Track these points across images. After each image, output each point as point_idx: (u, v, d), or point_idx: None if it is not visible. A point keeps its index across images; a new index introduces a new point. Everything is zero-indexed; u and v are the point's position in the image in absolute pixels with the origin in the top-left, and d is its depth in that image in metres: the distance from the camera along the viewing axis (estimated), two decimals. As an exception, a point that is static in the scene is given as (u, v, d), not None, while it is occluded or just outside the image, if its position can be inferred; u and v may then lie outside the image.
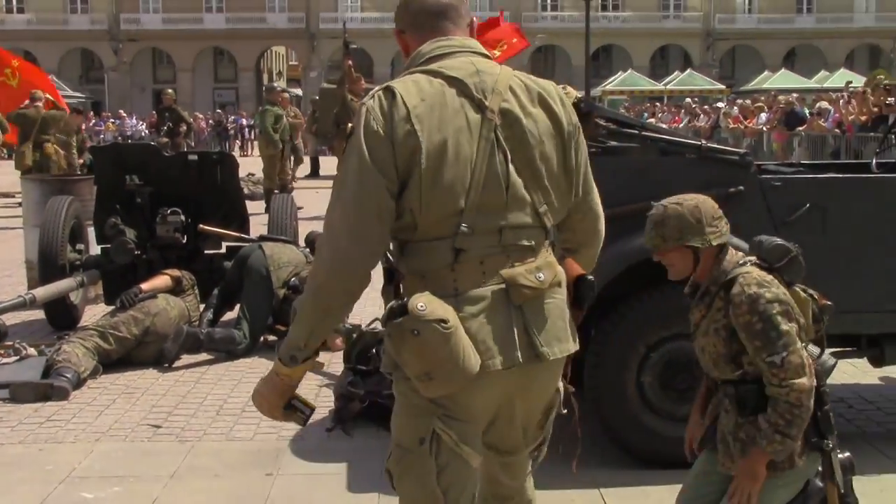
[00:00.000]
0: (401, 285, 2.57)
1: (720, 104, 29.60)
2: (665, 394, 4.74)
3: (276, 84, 20.04)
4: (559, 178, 2.63)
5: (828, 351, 3.70)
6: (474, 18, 2.80)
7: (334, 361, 6.79)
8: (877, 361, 5.01)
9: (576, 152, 2.67)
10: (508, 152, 2.54)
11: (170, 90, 21.35)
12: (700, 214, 3.50)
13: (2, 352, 6.77)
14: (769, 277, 3.48)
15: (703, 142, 5.04)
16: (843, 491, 3.58)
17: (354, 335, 6.26)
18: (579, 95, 4.63)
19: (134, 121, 43.15)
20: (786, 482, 3.53)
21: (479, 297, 2.49)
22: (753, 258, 3.59)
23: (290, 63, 66.87)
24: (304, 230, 8.86)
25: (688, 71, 46.67)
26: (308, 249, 8.03)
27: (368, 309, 8.26)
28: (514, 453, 2.74)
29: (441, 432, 2.52)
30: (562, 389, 2.74)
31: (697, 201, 3.52)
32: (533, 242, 2.58)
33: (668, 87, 42.23)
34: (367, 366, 5.81)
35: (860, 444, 5.11)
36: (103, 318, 7.02)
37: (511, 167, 2.53)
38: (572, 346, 2.64)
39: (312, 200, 15.87)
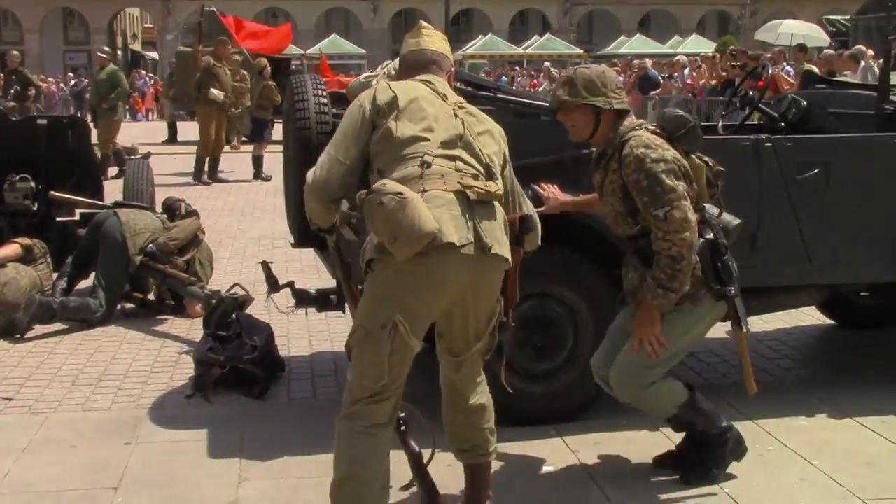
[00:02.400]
0: None
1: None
2: (522, 352, 4.82)
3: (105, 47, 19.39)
4: (497, 155, 3.56)
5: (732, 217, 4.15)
6: (452, 69, 3.86)
7: (193, 328, 6.71)
8: (723, 316, 5.21)
9: (504, 170, 3.59)
10: (464, 123, 3.50)
11: (15, 52, 20.52)
12: (606, 79, 4.09)
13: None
14: (658, 140, 3.95)
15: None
16: (747, 331, 4.10)
17: (214, 301, 6.18)
18: None
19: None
20: (691, 317, 4.02)
21: (441, 196, 3.30)
22: (648, 124, 3.98)
23: (145, 25, 64.98)
24: (160, 196, 8.69)
25: (546, 35, 47.23)
26: (165, 215, 7.88)
27: (228, 275, 8.19)
28: (461, 355, 3.55)
29: (399, 324, 3.29)
30: (501, 307, 3.53)
31: (604, 69, 4.19)
32: (480, 174, 3.43)
33: (528, 51, 42.66)
34: (226, 331, 5.74)
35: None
36: (-51, 289, 6.77)
37: (466, 129, 3.48)
38: (507, 252, 3.41)
39: (170, 166, 15.55)
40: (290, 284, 5.39)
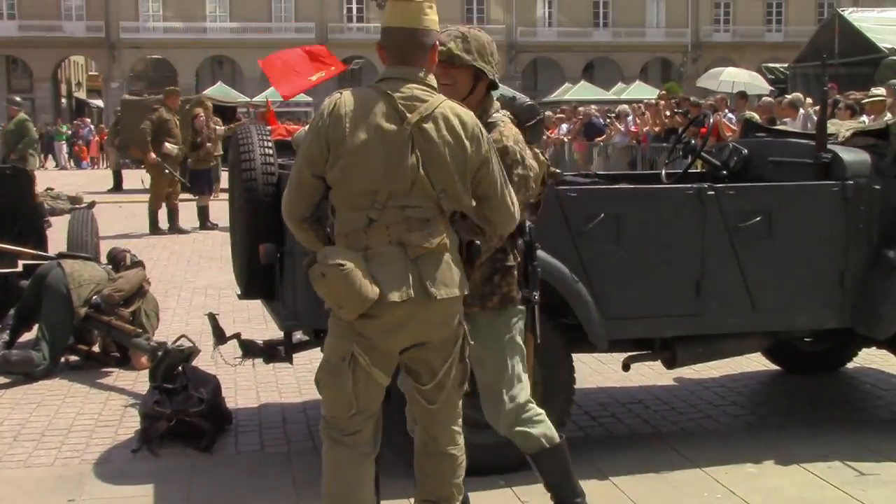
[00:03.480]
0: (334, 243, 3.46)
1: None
2: (468, 400, 4.80)
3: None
4: (455, 183, 3.44)
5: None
6: (437, 44, 3.55)
7: (139, 381, 6.63)
8: (670, 363, 5.26)
9: (478, 173, 3.47)
10: (420, 157, 3.38)
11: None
12: (493, 49, 3.94)
13: None
14: (521, 139, 3.85)
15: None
16: (538, 342, 4.03)
17: (160, 353, 6.11)
18: None
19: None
20: (497, 320, 3.92)
21: (383, 251, 3.37)
22: (507, 112, 3.95)
23: (90, 73, 64.66)
24: (105, 246, 8.61)
25: (492, 83, 47.66)
26: (110, 266, 7.80)
27: (175, 326, 8.12)
28: (429, 384, 3.57)
29: (358, 355, 3.42)
30: (465, 330, 3.58)
31: (487, 37, 3.95)
32: (429, 218, 3.42)
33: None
34: (173, 384, 5.67)
35: (656, 444, 5.36)
36: None
37: (420, 166, 3.38)
38: (458, 292, 3.46)
39: (115, 216, 15.42)
40: (237, 336, 5.37)
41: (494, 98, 4.00)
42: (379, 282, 3.33)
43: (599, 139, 21.50)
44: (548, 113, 28.07)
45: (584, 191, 5.04)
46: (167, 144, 14.99)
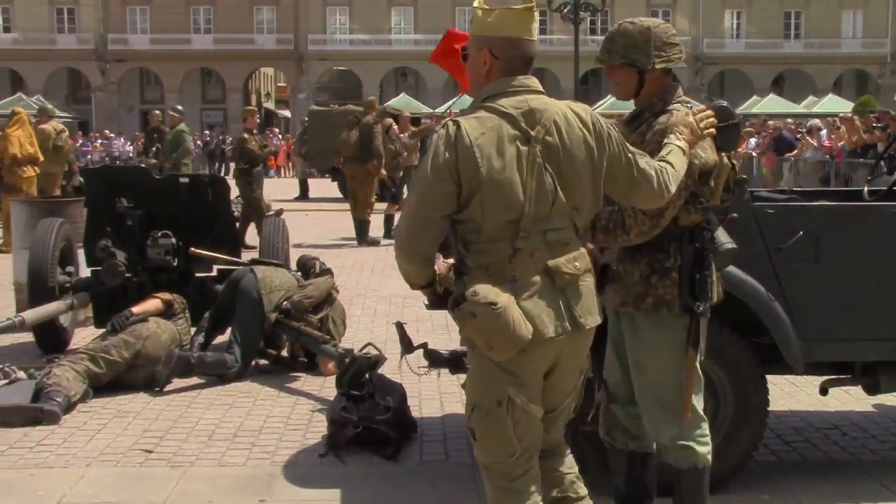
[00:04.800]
0: (465, 276, 3.24)
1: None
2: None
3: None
4: (587, 193, 3.30)
5: (728, 241, 3.88)
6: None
7: (327, 386, 6.80)
8: (871, 389, 5.04)
9: (599, 159, 3.30)
10: (553, 174, 3.21)
11: (157, 111, 21.24)
12: (649, 36, 3.83)
13: (-10, 375, 6.75)
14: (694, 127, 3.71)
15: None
16: (702, 358, 3.88)
17: (347, 360, 6.26)
18: None
19: (121, 141, 43.10)
20: (656, 324, 3.82)
21: (531, 282, 3.19)
22: (693, 105, 3.87)
23: (279, 84, 66.98)
24: (295, 254, 8.88)
25: (677, 95, 46.92)
26: (300, 273, 8.04)
27: (360, 333, 8.29)
28: (555, 410, 3.42)
29: (514, 396, 3.23)
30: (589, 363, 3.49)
31: (651, 24, 3.89)
32: (568, 239, 3.27)
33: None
34: (359, 391, 5.80)
35: (856, 473, 5.14)
36: (94, 342, 7.01)
37: (557, 186, 3.22)
38: (599, 319, 3.36)
39: (301, 224, 15.87)
40: (424, 346, 5.43)
41: (679, 92, 3.94)
42: (532, 317, 3.16)
43: (790, 154, 20.86)
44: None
45: (782, 207, 4.90)
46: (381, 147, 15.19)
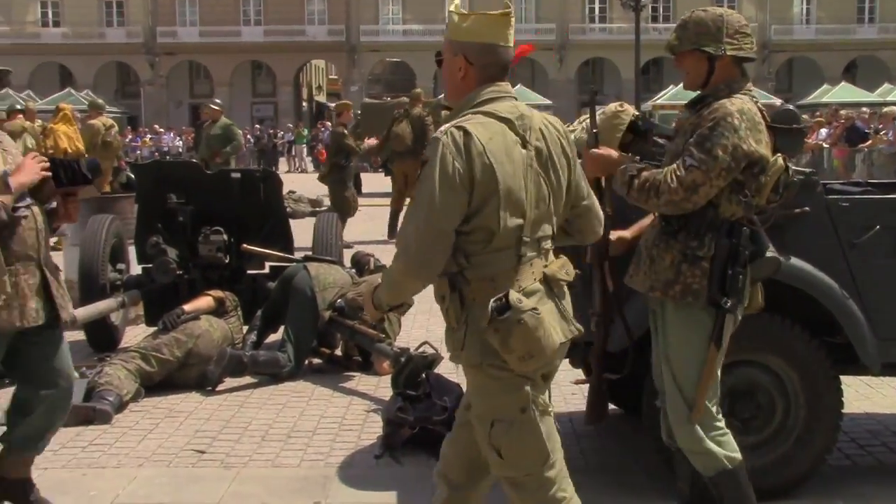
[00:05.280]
0: (463, 290, 3.22)
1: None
2: (727, 423, 4.69)
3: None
4: (564, 202, 3.38)
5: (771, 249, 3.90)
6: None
7: (382, 386, 6.83)
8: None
9: (573, 173, 3.41)
10: (545, 179, 3.27)
11: (216, 103, 21.11)
12: (721, 23, 3.90)
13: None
14: (758, 118, 3.72)
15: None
16: (720, 358, 3.87)
17: (402, 359, 6.29)
18: (636, 114, 4.66)
19: (171, 136, 43.60)
20: (691, 318, 3.83)
21: (535, 290, 3.23)
22: (759, 103, 3.89)
23: (330, 77, 67.33)
24: (349, 250, 8.92)
25: (743, 84, 46.43)
26: (354, 270, 8.09)
27: (415, 331, 8.31)
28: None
29: (536, 398, 3.25)
30: None
31: (723, 12, 3.97)
32: (552, 246, 3.36)
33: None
34: (416, 391, 5.83)
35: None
36: (145, 340, 7.11)
37: (547, 187, 3.28)
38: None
39: (354, 219, 15.92)
40: (482, 344, 5.43)
41: (749, 85, 3.97)
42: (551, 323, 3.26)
43: (864, 145, 20.56)
44: (804, 116, 27.11)
45: (857, 201, 4.84)
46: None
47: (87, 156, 14.68)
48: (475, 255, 3.20)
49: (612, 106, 5.38)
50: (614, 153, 4.06)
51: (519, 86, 48.15)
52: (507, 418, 3.24)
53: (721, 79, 3.92)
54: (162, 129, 44.96)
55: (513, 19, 3.34)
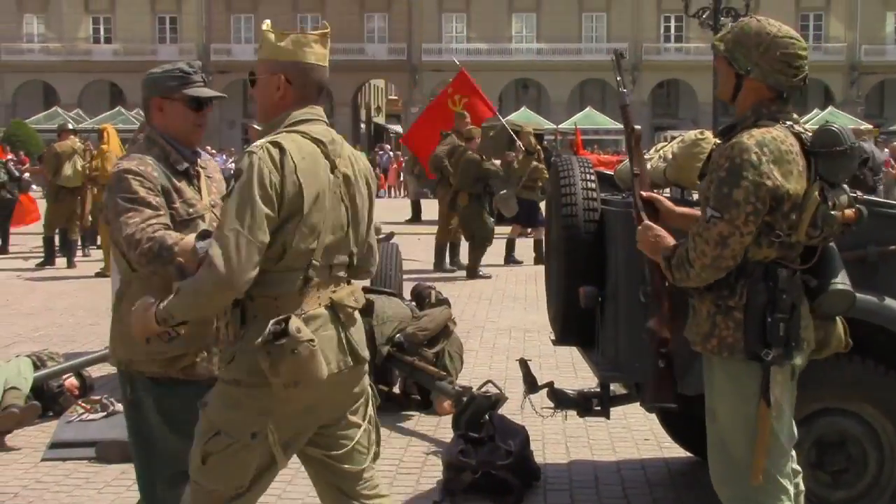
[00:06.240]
0: (246, 306, 3.38)
1: (867, 146, 29.09)
2: (815, 476, 4.62)
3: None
4: (365, 232, 3.63)
5: (841, 282, 3.74)
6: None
7: (442, 427, 6.81)
8: None
9: (372, 208, 3.68)
10: (348, 207, 3.51)
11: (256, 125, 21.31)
12: (763, 42, 3.68)
13: (88, 407, 6.91)
14: (784, 148, 3.54)
15: (857, 193, 4.94)
16: (775, 414, 3.63)
17: (465, 399, 6.27)
18: (717, 141, 4.52)
19: (223, 158, 44.06)
20: (726, 372, 3.68)
21: (318, 315, 3.40)
22: (800, 129, 3.71)
23: (390, 97, 67.80)
24: (409, 282, 8.93)
25: (829, 108, 45.94)
26: (414, 303, 8.09)
27: (477, 369, 8.29)
28: (339, 451, 3.57)
29: (270, 433, 3.36)
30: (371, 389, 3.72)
31: (777, 31, 3.71)
32: (346, 274, 3.56)
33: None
34: (478, 433, 5.80)
35: None
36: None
37: (348, 213, 3.52)
38: (366, 350, 3.61)
39: (414, 248, 15.98)
40: (549, 385, 5.40)
41: (788, 111, 3.76)
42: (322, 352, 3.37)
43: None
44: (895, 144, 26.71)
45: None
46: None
47: None
48: (263, 272, 3.32)
49: (692, 133, 5.35)
50: (670, 239, 3.83)
51: (588, 109, 48.31)
52: (233, 435, 3.37)
53: (748, 101, 3.74)
54: (214, 151, 45.47)
55: (328, 41, 3.59)
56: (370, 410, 3.68)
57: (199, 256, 3.47)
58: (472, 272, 14.77)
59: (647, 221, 3.88)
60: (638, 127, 4.37)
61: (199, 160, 4.10)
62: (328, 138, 3.50)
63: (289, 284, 3.38)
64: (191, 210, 3.90)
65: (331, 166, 3.46)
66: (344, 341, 3.45)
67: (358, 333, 3.54)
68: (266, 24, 3.60)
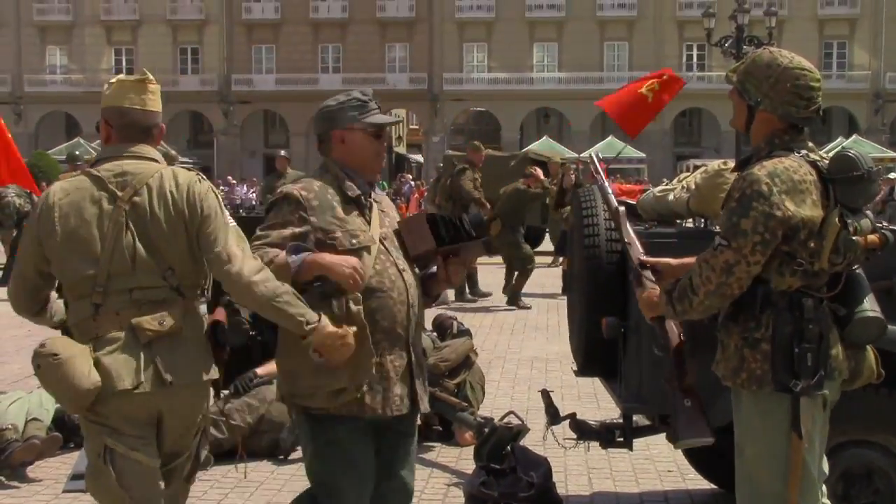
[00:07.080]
0: (73, 335, 3.71)
1: (893, 174, 28.98)
2: (840, 508, 4.61)
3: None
4: (183, 255, 3.70)
5: (870, 309, 3.72)
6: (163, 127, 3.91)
7: (464, 458, 6.81)
8: None
9: (190, 226, 3.70)
10: (136, 233, 3.65)
11: (283, 152, 21.17)
12: (773, 73, 3.69)
13: (109, 438, 6.95)
14: (797, 178, 3.57)
15: (884, 223, 4.93)
16: (807, 446, 3.59)
17: (486, 430, 6.26)
18: None
19: (244, 189, 44.25)
20: (755, 407, 3.66)
21: (114, 338, 3.61)
22: (816, 157, 3.70)
23: (411, 127, 68.00)
24: (430, 312, 8.93)
25: (853, 137, 45.80)
26: (435, 333, 8.10)
27: (499, 400, 8.29)
28: (168, 465, 3.80)
29: (113, 446, 3.61)
30: (207, 415, 3.92)
31: (789, 63, 3.71)
32: (162, 298, 3.67)
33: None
34: (500, 464, 5.80)
35: None
36: (215, 405, 7.17)
37: (139, 244, 3.64)
38: (204, 376, 3.75)
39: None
40: (572, 416, 5.40)
41: (803, 141, 3.76)
42: (108, 370, 3.57)
43: None
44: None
45: None
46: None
47: None
48: (69, 303, 3.75)
49: (715, 164, 5.36)
50: (656, 295, 3.88)
51: (611, 137, 48.23)
52: (92, 461, 3.70)
53: (762, 132, 3.75)
54: (235, 181, 45.69)
55: (152, 85, 3.84)
56: (194, 444, 3.87)
57: (292, 272, 3.75)
58: (514, 298, 14.79)
59: (647, 288, 3.97)
60: (622, 207, 4.42)
61: (373, 193, 4.07)
62: (115, 172, 3.71)
63: (81, 312, 3.68)
64: (354, 241, 3.90)
65: (110, 197, 3.67)
66: (144, 361, 3.60)
67: (174, 356, 3.65)
68: (118, 78, 3.91)
